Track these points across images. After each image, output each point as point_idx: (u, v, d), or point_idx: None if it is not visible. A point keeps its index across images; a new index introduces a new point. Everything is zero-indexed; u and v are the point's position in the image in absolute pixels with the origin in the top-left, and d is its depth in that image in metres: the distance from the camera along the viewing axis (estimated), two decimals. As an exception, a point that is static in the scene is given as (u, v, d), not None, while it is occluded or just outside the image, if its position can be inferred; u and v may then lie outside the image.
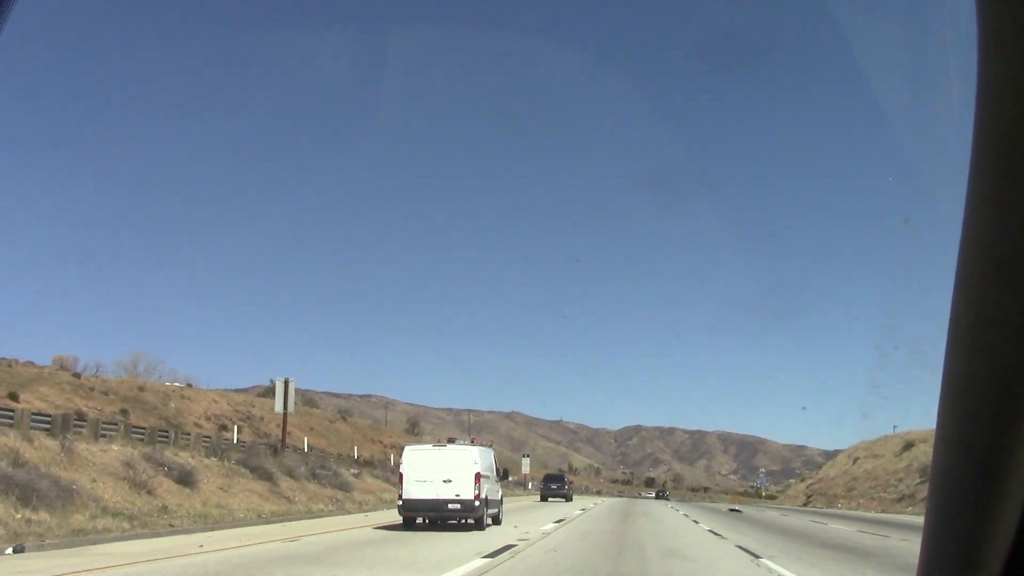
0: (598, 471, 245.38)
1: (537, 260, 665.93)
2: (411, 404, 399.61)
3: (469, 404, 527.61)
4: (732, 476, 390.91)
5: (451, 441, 25.53)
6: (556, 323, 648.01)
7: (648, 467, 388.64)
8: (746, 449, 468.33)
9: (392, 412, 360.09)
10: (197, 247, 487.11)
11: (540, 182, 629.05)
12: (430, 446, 24.15)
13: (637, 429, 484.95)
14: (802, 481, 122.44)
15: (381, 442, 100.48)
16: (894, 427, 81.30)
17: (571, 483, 68.68)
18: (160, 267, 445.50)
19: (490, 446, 27.89)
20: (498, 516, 25.21)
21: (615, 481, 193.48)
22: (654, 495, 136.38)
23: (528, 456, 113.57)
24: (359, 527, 24.44)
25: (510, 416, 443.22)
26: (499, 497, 25.84)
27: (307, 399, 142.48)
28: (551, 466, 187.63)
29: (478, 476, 22.09)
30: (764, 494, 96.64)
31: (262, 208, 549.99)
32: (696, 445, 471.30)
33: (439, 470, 22.05)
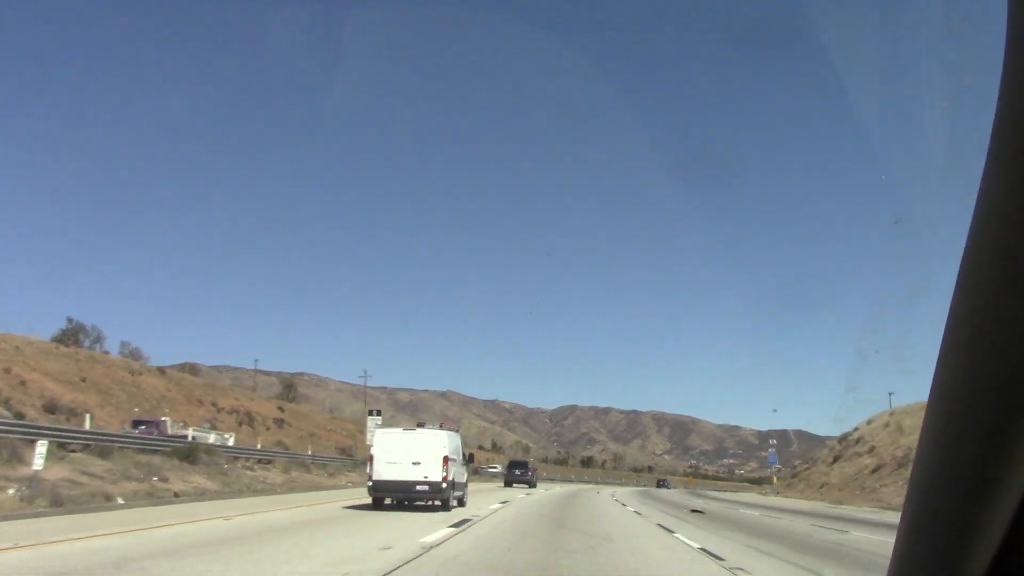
0: (527, 449, 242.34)
1: (475, 241, 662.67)
2: (344, 383, 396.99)
3: (404, 383, 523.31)
4: (666, 456, 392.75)
5: (420, 425, 25.98)
6: (492, 303, 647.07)
7: (583, 447, 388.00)
8: (680, 429, 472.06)
9: (324, 391, 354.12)
10: (130, 222, 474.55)
11: (488, 163, 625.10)
12: (400, 429, 25.10)
13: (572, 409, 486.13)
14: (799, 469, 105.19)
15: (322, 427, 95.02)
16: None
17: (535, 470, 69.90)
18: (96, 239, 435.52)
19: (457, 431, 27.90)
20: (463, 499, 26.25)
21: (543, 460, 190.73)
22: (655, 484, 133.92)
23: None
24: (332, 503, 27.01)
25: (445, 395, 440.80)
26: (465, 480, 27.31)
27: (235, 377, 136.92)
28: (486, 446, 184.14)
29: (446, 459, 23.02)
30: (776, 479, 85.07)
31: (197, 184, 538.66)
32: (631, 425, 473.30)
33: (409, 452, 22.90)
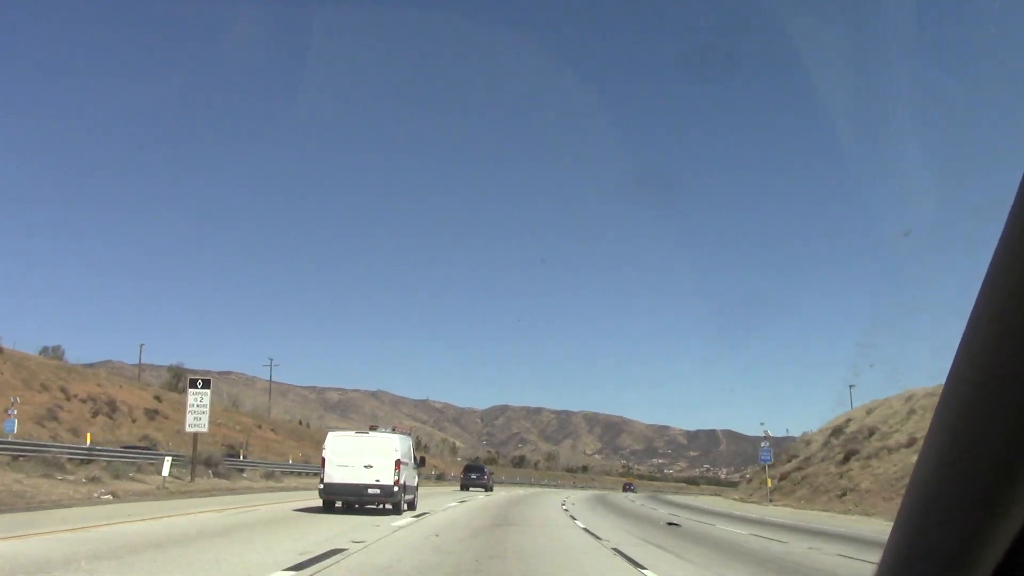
0: (454, 448, 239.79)
1: (405, 239, 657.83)
2: (273, 382, 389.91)
3: (334, 382, 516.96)
4: (597, 455, 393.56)
5: (373, 429, 25.57)
6: (422, 302, 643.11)
7: (514, 447, 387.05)
8: (611, 429, 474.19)
9: (251, 390, 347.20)
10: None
11: (429, 160, 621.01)
12: (353, 433, 25.09)
13: (504, 409, 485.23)
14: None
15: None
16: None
17: (491, 473, 70.19)
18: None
19: (409, 434, 28.12)
20: (413, 502, 26.14)
21: (474, 460, 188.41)
22: (623, 488, 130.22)
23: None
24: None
25: (375, 395, 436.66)
26: (416, 483, 27.11)
27: (159, 375, 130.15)
28: (416, 446, 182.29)
29: (398, 463, 23.07)
30: (768, 480, 72.43)
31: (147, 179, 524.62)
32: (562, 425, 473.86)
33: (361, 456, 22.86)
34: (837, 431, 67.42)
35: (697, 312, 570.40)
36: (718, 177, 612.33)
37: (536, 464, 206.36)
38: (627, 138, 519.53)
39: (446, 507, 31.31)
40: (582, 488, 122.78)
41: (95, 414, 55.75)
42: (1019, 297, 1.01)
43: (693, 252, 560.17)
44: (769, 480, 62.75)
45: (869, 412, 63.85)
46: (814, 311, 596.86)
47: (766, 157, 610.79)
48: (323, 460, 23.48)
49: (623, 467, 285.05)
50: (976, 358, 1.09)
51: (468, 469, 68.20)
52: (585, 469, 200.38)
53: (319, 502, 24.06)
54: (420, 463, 29.65)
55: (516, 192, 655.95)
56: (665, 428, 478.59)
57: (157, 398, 73.06)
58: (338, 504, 23.59)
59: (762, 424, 78.68)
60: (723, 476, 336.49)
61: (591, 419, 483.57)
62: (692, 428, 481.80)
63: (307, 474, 58.31)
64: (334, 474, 22.87)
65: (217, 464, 45.22)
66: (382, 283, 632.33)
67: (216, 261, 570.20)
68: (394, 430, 25.63)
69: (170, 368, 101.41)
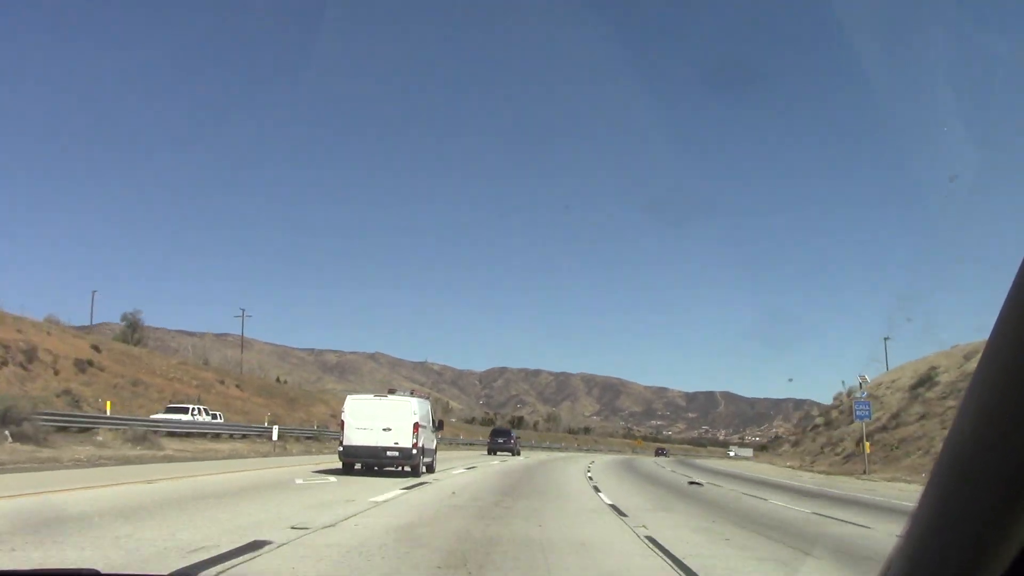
0: (448, 408, 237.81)
1: (404, 200, 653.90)
2: (270, 344, 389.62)
3: (332, 345, 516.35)
4: (595, 417, 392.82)
5: (391, 392, 25.57)
6: (421, 264, 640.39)
7: (513, 408, 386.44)
8: (609, 391, 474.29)
9: (250, 352, 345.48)
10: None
11: (419, 126, 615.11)
12: (372, 396, 25.13)
13: (502, 371, 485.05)
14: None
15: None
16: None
17: (518, 438, 69.35)
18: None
19: (427, 398, 28.57)
20: (432, 464, 26.53)
21: (470, 421, 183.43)
22: (655, 452, 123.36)
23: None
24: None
25: (373, 357, 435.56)
26: (434, 446, 27.40)
27: (157, 337, 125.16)
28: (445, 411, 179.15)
29: (416, 426, 23.41)
30: (868, 447, 57.28)
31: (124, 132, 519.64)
32: (561, 387, 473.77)
33: (379, 419, 23.34)
34: (924, 381, 58.12)
35: (711, 269, 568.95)
36: (746, 118, 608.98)
37: (535, 426, 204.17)
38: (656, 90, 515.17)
39: (470, 468, 31.54)
40: (594, 452, 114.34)
41: (2, 364, 45.61)
42: None
43: (714, 202, 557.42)
44: (868, 445, 49.80)
45: (967, 357, 55.27)
46: (835, 268, 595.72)
47: (799, 98, 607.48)
48: (342, 423, 24.08)
49: (625, 429, 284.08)
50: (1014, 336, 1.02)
51: (495, 433, 67.80)
52: (587, 431, 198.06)
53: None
54: (439, 427, 29.74)
55: (514, 164, 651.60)
56: (664, 390, 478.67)
57: (95, 347, 60.09)
58: (357, 466, 24.20)
59: (860, 388, 64.33)
60: (721, 437, 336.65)
61: (589, 381, 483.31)
62: (691, 390, 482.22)
63: (255, 437, 49.27)
64: (353, 436, 23.49)
65: (20, 421, 28.15)
66: (380, 245, 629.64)
67: (216, 221, 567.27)
68: (412, 394, 25.81)
69: (124, 317, 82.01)
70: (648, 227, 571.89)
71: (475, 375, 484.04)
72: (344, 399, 26.05)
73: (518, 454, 61.85)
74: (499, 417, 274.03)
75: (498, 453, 59.11)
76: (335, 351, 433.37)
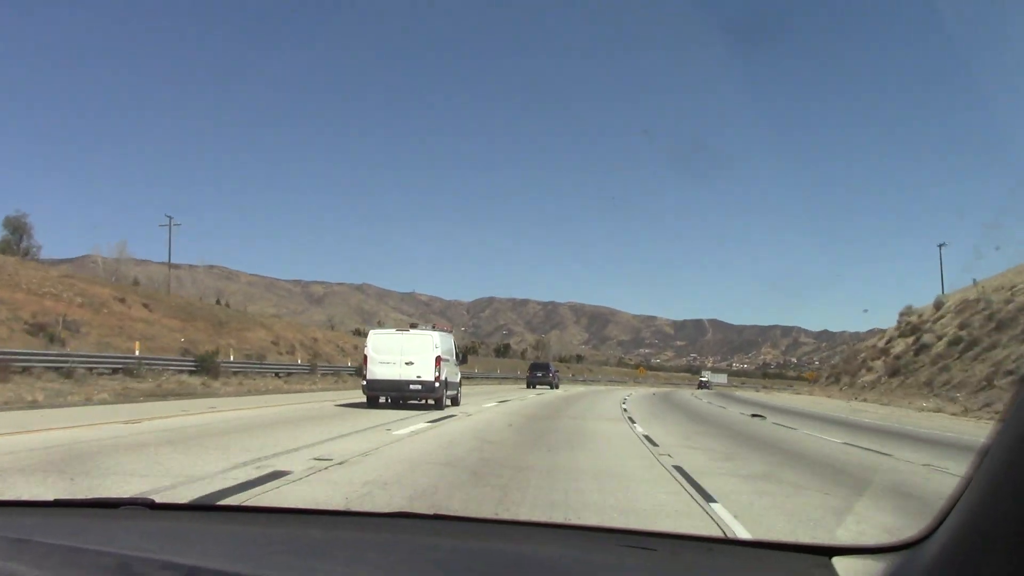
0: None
1: (392, 130, 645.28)
2: (256, 275, 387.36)
3: (318, 276, 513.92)
4: (584, 346, 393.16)
5: (413, 326, 25.70)
6: (409, 194, 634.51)
7: (501, 338, 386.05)
8: (597, 320, 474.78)
9: (235, 283, 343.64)
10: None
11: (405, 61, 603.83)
12: (394, 330, 25.41)
13: (490, 301, 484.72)
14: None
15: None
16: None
17: (557, 371, 68.48)
18: None
19: (450, 332, 27.90)
20: (456, 397, 26.80)
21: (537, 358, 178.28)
22: (697, 386, 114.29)
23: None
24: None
25: (361, 288, 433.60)
26: (458, 380, 27.49)
27: (144, 269, 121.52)
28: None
29: (438, 359, 23.72)
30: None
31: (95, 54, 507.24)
32: (548, 316, 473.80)
33: (402, 353, 23.68)
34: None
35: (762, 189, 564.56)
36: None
37: (523, 354, 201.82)
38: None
39: (504, 400, 30.90)
40: (616, 384, 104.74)
41: None
42: None
43: (718, 142, 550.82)
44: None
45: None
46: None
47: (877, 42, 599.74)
48: (365, 357, 24.45)
49: (617, 358, 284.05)
50: None
51: (534, 367, 66.83)
52: (580, 359, 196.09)
53: None
54: (463, 360, 29.70)
55: (500, 84, 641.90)
56: (652, 318, 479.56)
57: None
58: (382, 400, 24.47)
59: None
60: (710, 365, 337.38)
61: (578, 310, 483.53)
62: (679, 318, 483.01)
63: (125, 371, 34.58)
64: (376, 371, 23.84)
65: None
66: (367, 174, 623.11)
67: (202, 154, 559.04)
68: (434, 327, 25.63)
69: (6, 222, 64.93)
70: (645, 159, 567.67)
71: (463, 305, 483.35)
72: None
73: (557, 387, 61.21)
74: (483, 346, 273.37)
75: (537, 387, 58.74)
76: (322, 282, 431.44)
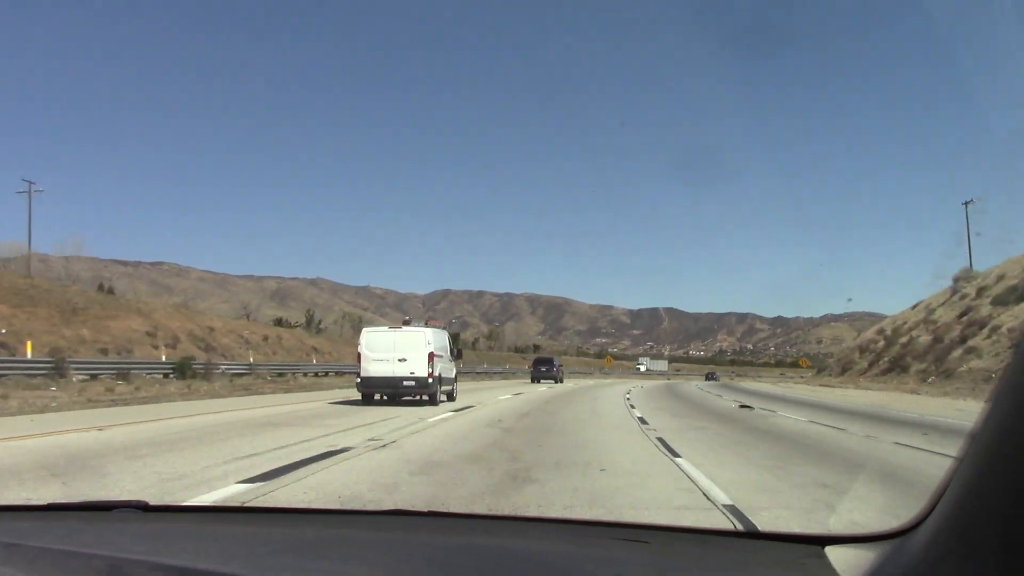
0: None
1: (346, 124, 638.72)
2: (209, 272, 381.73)
3: (272, 271, 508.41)
4: (540, 337, 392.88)
5: (406, 323, 26.15)
6: (363, 188, 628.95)
7: (456, 330, 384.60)
8: (554, 310, 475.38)
9: (187, 280, 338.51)
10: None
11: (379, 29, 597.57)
12: (387, 328, 26.24)
13: (446, 293, 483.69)
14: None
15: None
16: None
17: (561, 366, 69.45)
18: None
19: (444, 328, 28.62)
20: (452, 393, 26.94)
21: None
22: (705, 377, 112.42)
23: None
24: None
25: (315, 282, 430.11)
26: (453, 375, 27.77)
27: (90, 267, 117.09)
28: (357, 332, 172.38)
29: (431, 355, 23.88)
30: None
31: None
32: (505, 307, 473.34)
33: (395, 349, 23.88)
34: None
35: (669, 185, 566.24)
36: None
37: (474, 344, 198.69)
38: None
39: (498, 399, 29.31)
40: (603, 377, 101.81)
41: None
42: None
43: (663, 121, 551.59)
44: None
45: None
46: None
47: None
48: (359, 355, 24.62)
49: (576, 347, 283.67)
50: None
51: (538, 362, 67.49)
52: (536, 348, 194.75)
53: None
54: (457, 355, 29.71)
55: (463, 77, 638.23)
56: (608, 308, 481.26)
57: None
58: (377, 396, 24.56)
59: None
60: (667, 353, 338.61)
61: (534, 301, 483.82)
62: (635, 307, 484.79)
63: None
64: (370, 368, 24.01)
65: None
66: (321, 168, 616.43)
67: (150, 143, 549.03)
68: (427, 323, 26.15)
69: None
70: (601, 152, 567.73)
71: (418, 298, 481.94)
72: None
73: (560, 381, 61.56)
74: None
75: (541, 381, 58.94)
76: (275, 277, 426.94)
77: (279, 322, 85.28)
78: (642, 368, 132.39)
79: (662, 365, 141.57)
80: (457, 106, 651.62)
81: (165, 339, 48.53)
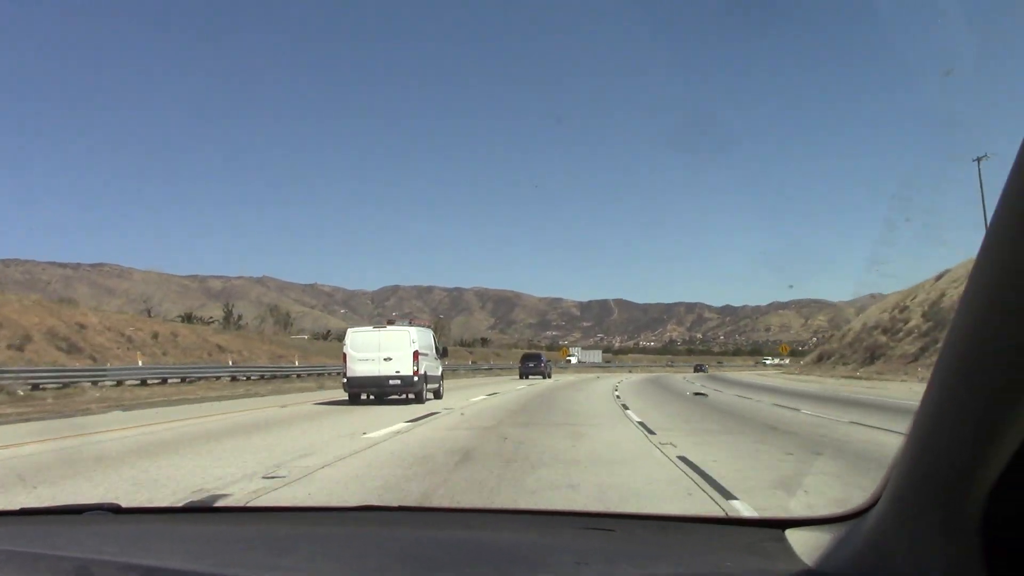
0: (328, 335, 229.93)
1: (286, 117, 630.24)
2: (150, 271, 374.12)
3: (216, 270, 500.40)
4: (490, 331, 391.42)
5: (391, 323, 26.25)
6: (308, 183, 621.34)
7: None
8: (503, 304, 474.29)
9: (128, 281, 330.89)
10: None
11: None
12: (371, 328, 25.72)
13: (395, 289, 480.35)
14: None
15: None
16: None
17: (548, 361, 70.22)
18: None
19: (429, 327, 28.78)
20: (438, 391, 27.04)
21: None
22: (693, 370, 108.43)
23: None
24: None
25: (261, 281, 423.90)
26: (439, 373, 27.77)
27: (26, 270, 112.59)
28: (307, 332, 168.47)
29: (416, 354, 24.22)
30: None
31: None
32: (454, 302, 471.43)
33: (380, 349, 24.19)
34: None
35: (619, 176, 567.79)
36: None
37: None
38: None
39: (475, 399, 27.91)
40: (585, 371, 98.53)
41: None
42: None
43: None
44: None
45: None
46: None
47: None
48: (344, 355, 24.89)
49: (526, 341, 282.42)
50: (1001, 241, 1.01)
51: (526, 358, 68.31)
52: (485, 342, 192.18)
53: None
54: (443, 354, 29.75)
55: (410, 71, 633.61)
56: (558, 300, 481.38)
57: None
58: (363, 396, 24.81)
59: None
60: (617, 344, 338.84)
61: (483, 295, 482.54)
62: (585, 299, 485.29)
63: None
64: (356, 368, 24.26)
65: None
66: (264, 164, 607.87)
67: (91, 141, 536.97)
68: (411, 323, 26.39)
69: None
70: (546, 144, 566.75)
71: (367, 295, 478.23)
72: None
73: (549, 376, 62.46)
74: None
75: (529, 377, 59.82)
76: (220, 277, 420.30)
77: (188, 318, 76.46)
78: (573, 360, 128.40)
79: (595, 356, 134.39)
80: (401, 99, 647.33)
81: (12, 339, 39.08)
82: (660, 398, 29.83)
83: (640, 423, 16.47)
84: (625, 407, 22.29)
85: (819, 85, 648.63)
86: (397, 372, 24.09)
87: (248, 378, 44.54)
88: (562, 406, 23.85)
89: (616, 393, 32.31)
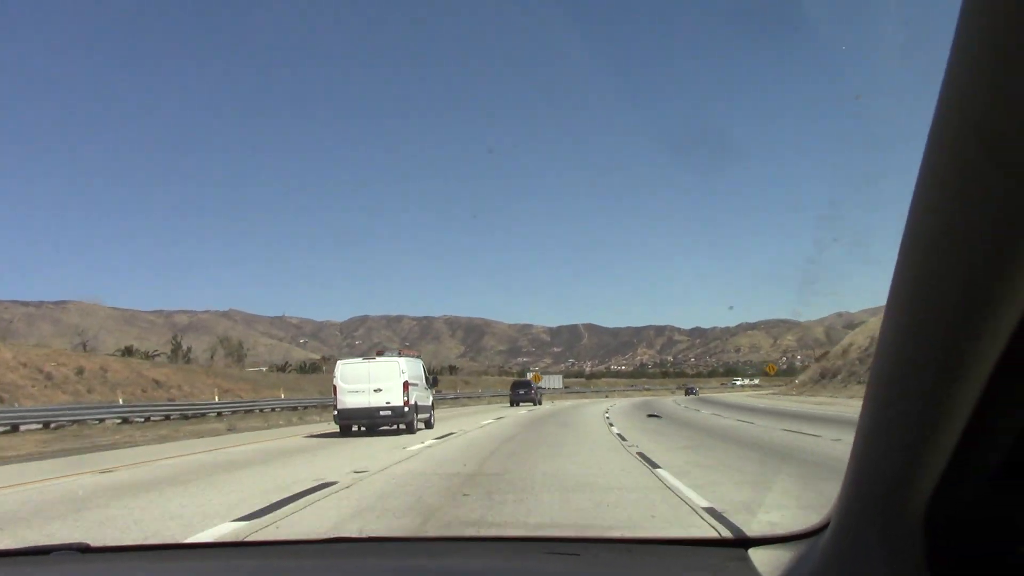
0: (286, 367, 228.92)
1: (247, 148, 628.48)
2: (117, 309, 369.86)
3: (182, 304, 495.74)
4: (461, 358, 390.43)
5: (380, 354, 25.88)
6: (273, 215, 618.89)
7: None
8: (473, 331, 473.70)
9: (93, 318, 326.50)
10: None
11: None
12: (361, 359, 26.09)
13: (363, 320, 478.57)
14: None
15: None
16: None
17: (537, 388, 70.19)
18: None
19: (418, 357, 28.54)
20: (429, 420, 27.15)
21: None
22: (684, 392, 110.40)
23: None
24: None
25: (227, 314, 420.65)
26: (430, 403, 27.77)
27: None
28: (264, 364, 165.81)
29: (406, 384, 24.27)
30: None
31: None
32: (424, 331, 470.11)
33: (370, 380, 24.21)
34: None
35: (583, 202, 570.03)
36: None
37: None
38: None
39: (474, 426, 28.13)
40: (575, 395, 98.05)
41: None
42: (962, 149, 0.91)
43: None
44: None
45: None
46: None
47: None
48: (335, 388, 24.78)
49: (497, 368, 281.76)
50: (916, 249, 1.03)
51: (516, 385, 68.96)
52: (453, 370, 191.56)
53: None
54: (433, 383, 29.64)
55: (367, 98, 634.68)
56: (528, 327, 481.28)
57: None
58: (354, 428, 24.70)
59: None
60: (588, 369, 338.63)
61: (453, 323, 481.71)
62: (554, 324, 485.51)
63: None
64: (346, 400, 24.21)
65: None
66: (230, 195, 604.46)
67: (54, 177, 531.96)
68: (400, 353, 26.00)
69: None
70: (508, 171, 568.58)
71: (335, 326, 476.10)
72: None
73: (539, 403, 62.98)
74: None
75: (520, 404, 60.47)
76: (186, 311, 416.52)
77: (128, 351, 74.11)
78: (692, 387, 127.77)
79: (556, 382, 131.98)
80: (366, 127, 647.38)
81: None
82: (694, 440, 20.01)
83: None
84: (654, 465, 12.93)
85: (749, 110, 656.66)
86: (388, 403, 24.09)
87: (148, 419, 35.74)
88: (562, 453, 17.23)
89: (610, 422, 28.75)
